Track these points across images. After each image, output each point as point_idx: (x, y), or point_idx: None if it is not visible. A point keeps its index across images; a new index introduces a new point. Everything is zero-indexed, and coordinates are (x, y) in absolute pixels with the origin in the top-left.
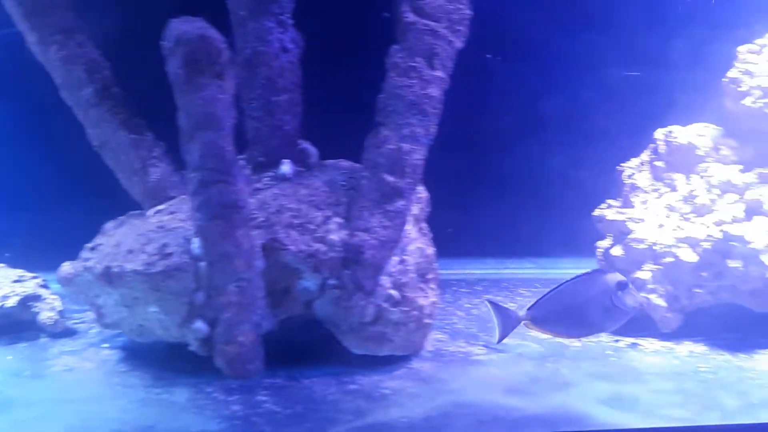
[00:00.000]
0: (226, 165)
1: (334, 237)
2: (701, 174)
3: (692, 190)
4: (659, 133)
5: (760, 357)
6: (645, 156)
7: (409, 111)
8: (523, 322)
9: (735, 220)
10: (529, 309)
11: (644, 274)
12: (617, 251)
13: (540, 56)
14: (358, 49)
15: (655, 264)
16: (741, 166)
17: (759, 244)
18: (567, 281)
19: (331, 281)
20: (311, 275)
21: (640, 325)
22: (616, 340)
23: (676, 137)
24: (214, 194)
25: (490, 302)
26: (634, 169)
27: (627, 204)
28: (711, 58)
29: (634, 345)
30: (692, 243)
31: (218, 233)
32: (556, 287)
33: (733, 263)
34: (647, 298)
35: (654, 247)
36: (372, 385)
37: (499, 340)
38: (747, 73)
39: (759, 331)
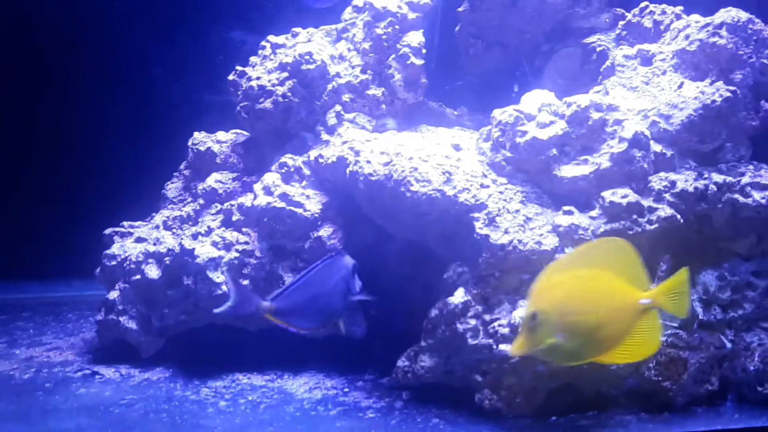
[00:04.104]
0: None
1: None
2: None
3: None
4: (190, 141)
5: (211, 384)
6: (183, 165)
7: None
8: (264, 313)
9: (208, 232)
10: (273, 299)
11: (114, 293)
12: (98, 271)
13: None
14: None
15: (125, 282)
16: (235, 174)
17: (204, 258)
18: (311, 268)
19: None
20: None
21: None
22: (79, 369)
23: (197, 144)
24: None
25: (233, 280)
26: (174, 180)
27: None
28: None
29: (93, 374)
30: (159, 258)
31: None
32: (302, 276)
33: (187, 280)
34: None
35: (124, 264)
36: None
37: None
38: (242, 75)
39: (248, 351)
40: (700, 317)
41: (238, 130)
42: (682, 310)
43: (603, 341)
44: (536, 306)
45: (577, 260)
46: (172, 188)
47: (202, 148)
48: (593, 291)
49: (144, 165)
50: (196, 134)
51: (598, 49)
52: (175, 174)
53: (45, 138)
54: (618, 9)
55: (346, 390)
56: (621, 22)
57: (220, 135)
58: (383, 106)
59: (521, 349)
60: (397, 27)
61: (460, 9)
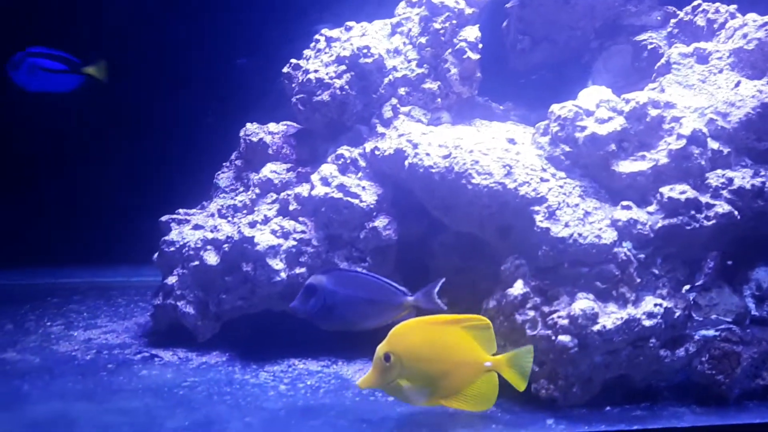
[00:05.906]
0: None
1: None
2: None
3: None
4: (242, 131)
5: (269, 368)
6: (234, 155)
7: None
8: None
9: (265, 220)
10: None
11: (172, 278)
12: (156, 256)
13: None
14: None
15: (183, 268)
16: (289, 165)
17: (264, 246)
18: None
19: None
20: None
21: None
22: (138, 352)
23: (249, 135)
24: None
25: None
26: (225, 170)
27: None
28: None
29: (151, 357)
30: (217, 245)
31: None
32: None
33: (246, 267)
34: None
35: (183, 251)
36: None
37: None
38: (297, 68)
39: (301, 338)
40: (753, 313)
41: (289, 122)
42: (520, 382)
43: (444, 389)
44: (390, 348)
45: (439, 317)
46: (224, 178)
47: (254, 139)
48: (444, 343)
49: (192, 155)
50: (248, 125)
51: (649, 47)
52: (225, 164)
53: (93, 127)
54: (669, 7)
55: None
56: (672, 20)
57: (272, 126)
58: (438, 99)
59: (368, 384)
60: (454, 22)
61: (508, 5)
